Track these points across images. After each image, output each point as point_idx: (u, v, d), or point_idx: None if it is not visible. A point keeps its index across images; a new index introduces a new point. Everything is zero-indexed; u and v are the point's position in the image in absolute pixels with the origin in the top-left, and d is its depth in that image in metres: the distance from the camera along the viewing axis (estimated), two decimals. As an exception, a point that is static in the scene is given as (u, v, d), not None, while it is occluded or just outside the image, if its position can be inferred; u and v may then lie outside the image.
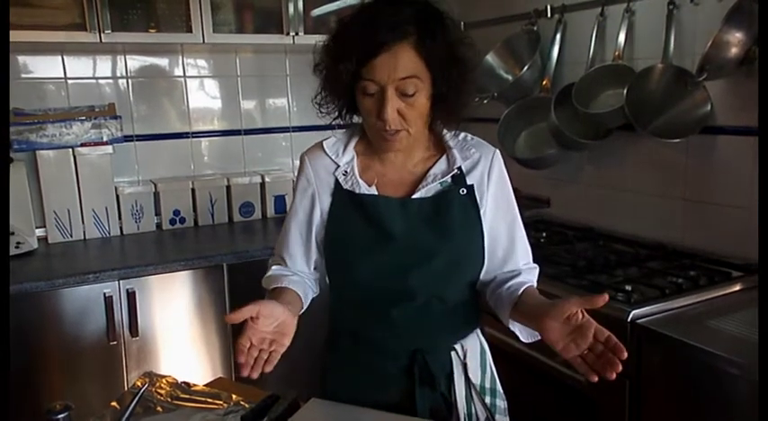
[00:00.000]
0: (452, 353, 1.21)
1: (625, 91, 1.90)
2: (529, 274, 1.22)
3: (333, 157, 1.22)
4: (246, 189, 2.68)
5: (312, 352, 1.37)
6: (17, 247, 2.13)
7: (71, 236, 2.38)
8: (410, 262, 1.15)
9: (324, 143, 1.24)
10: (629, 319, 1.47)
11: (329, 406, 1.21)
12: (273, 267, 1.28)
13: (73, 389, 1.94)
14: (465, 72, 1.11)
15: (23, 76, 2.38)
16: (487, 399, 1.23)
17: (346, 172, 1.20)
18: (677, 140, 1.89)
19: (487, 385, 1.25)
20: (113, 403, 1.24)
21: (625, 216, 2.17)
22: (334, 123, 1.22)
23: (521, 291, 1.15)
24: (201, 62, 2.68)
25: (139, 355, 2.02)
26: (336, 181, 1.20)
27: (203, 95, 2.70)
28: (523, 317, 1.12)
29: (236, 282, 2.17)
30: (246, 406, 1.27)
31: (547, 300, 1.07)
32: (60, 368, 1.96)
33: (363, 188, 1.18)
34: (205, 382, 1.40)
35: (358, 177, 1.19)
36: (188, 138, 2.69)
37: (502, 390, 1.27)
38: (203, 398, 1.32)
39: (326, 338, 1.32)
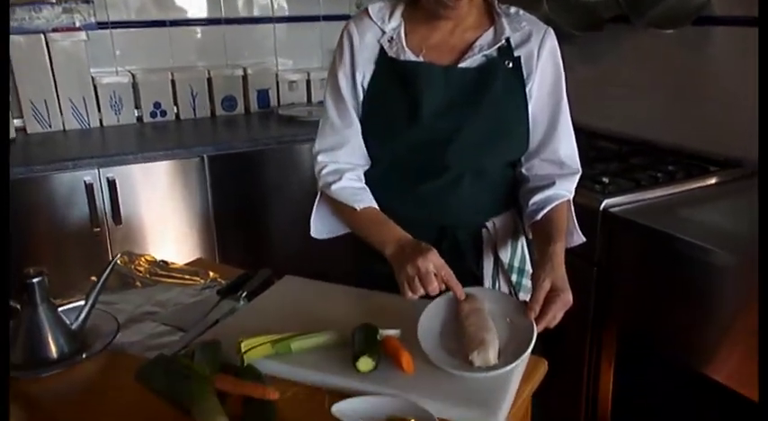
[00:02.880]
0: (483, 231, 1.21)
1: (620, -22, 1.81)
2: (562, 185, 1.17)
3: (378, 24, 1.17)
4: (228, 82, 2.61)
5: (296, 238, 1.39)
6: (-6, 135, 2.10)
7: (50, 126, 2.34)
8: (446, 134, 1.12)
9: (369, 8, 1.18)
10: (601, 208, 1.48)
11: (302, 282, 1.25)
12: (330, 169, 1.20)
13: (58, 274, 1.97)
14: None
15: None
16: (514, 277, 1.24)
17: (392, 38, 1.16)
18: (671, 31, 1.83)
19: (516, 264, 1.25)
20: (93, 278, 1.27)
21: (613, 113, 2.15)
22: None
23: (540, 215, 1.14)
24: (177, -57, 2.52)
25: (123, 242, 2.05)
26: (381, 48, 1.16)
27: (180, -21, 2.56)
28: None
29: (217, 173, 2.16)
30: (222, 282, 1.31)
31: (545, 257, 1.06)
32: (46, 254, 1.99)
33: (409, 55, 1.14)
34: (184, 262, 1.43)
35: (404, 44, 1.15)
36: (166, 26, 2.57)
37: (531, 270, 1.24)
38: (181, 275, 1.35)
39: None
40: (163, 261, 1.42)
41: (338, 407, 0.85)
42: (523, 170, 1.22)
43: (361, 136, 1.20)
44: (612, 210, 1.47)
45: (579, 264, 1.48)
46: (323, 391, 0.91)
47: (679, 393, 1.44)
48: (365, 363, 0.92)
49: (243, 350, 0.95)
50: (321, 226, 1.28)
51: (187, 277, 1.34)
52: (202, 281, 1.33)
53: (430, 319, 1.02)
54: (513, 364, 0.92)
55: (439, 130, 1.13)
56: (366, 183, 1.23)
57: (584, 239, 1.22)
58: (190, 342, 1.06)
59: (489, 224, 1.22)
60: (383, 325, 1.01)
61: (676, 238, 1.34)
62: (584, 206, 1.46)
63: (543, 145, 1.18)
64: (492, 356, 0.92)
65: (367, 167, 1.22)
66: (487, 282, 1.23)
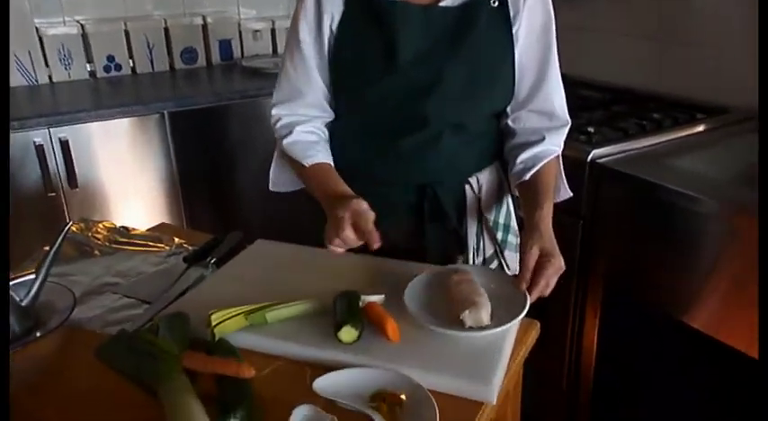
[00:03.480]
0: (466, 187, 1.14)
1: None
2: (552, 139, 1.10)
3: None
4: (187, 32, 2.43)
5: (265, 198, 1.30)
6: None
7: (-7, 83, 2.16)
8: (425, 83, 1.03)
9: None
10: (588, 159, 1.42)
11: (276, 246, 1.16)
12: (284, 122, 1.13)
13: (12, 245, 1.85)
14: None
15: None
16: (499, 235, 1.18)
17: None
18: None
19: (501, 221, 1.18)
20: (46, 247, 1.16)
21: (596, 61, 2.06)
22: None
23: (528, 175, 1.07)
24: None
25: (82, 208, 1.93)
26: None
27: None
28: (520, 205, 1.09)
29: (179, 131, 2.03)
30: (189, 248, 1.22)
31: (533, 221, 0.99)
32: (-2, 222, 1.86)
33: None
34: (146, 228, 1.33)
35: None
36: (116, -30, 2.37)
37: (516, 226, 1.19)
38: (144, 242, 1.25)
39: None
40: (123, 227, 1.32)
41: (319, 384, 0.78)
42: (510, 122, 1.13)
43: (320, 88, 1.11)
44: (600, 160, 1.41)
45: (565, 219, 1.44)
46: (303, 365, 0.84)
47: (662, 342, 1.43)
48: (348, 333, 0.85)
49: (213, 323, 0.87)
50: (278, 179, 1.23)
51: (150, 244, 1.24)
52: (167, 247, 1.23)
53: (416, 289, 0.96)
54: (507, 325, 0.86)
55: (417, 79, 1.03)
56: (337, 138, 1.14)
57: (572, 194, 1.16)
58: (154, 315, 0.97)
59: (473, 180, 1.14)
60: (365, 290, 0.94)
61: (664, 188, 1.29)
62: (570, 158, 1.38)
63: (532, 95, 1.10)
64: (485, 316, 0.86)
65: (329, 119, 1.14)
66: (471, 241, 1.16)
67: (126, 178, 2.01)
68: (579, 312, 1.55)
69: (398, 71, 1.03)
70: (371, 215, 0.94)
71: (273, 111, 1.14)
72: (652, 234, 1.36)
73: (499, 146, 1.17)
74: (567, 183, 1.16)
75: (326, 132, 1.16)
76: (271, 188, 1.24)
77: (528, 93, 1.09)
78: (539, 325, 0.96)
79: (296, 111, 1.12)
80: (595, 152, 1.42)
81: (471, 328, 0.86)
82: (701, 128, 1.60)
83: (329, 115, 1.14)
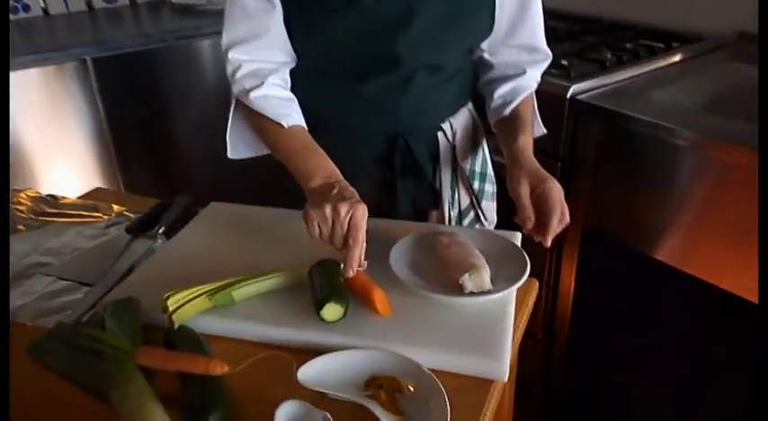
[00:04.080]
0: (439, 134, 1.02)
1: None
2: (532, 73, 1.01)
3: None
4: (105, -35, 2.14)
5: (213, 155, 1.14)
6: None
7: None
8: (394, 19, 0.88)
9: None
10: (568, 96, 1.32)
11: (233, 209, 1.02)
12: (247, 70, 0.93)
13: None
14: None
15: None
16: (476, 184, 1.08)
17: None
18: None
19: (477, 169, 1.08)
20: (-45, 225, 0.98)
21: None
22: None
23: (508, 110, 0.98)
24: None
25: None
26: None
27: None
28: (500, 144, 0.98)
29: (106, 80, 1.79)
30: (132, 216, 1.06)
31: (514, 151, 0.90)
32: None
33: None
34: (78, 195, 1.16)
35: None
36: None
37: (493, 173, 1.11)
38: (77, 212, 1.08)
39: None
40: (51, 195, 1.14)
41: (304, 373, 0.67)
42: (486, 55, 1.02)
43: (283, 22, 0.92)
44: (580, 97, 1.31)
45: (543, 161, 1.34)
46: (284, 352, 0.72)
47: (642, 283, 1.39)
48: (332, 311, 0.73)
49: (171, 308, 0.74)
50: (240, 144, 1.04)
51: (84, 213, 1.08)
52: (105, 217, 1.07)
53: (402, 253, 0.85)
54: (513, 286, 0.77)
55: (385, 13, 0.88)
56: (300, 83, 0.98)
57: (545, 131, 1.08)
58: (97, 301, 0.82)
59: (446, 126, 1.03)
60: (343, 256, 0.82)
61: (648, 123, 1.21)
62: (549, 95, 1.29)
63: (513, 29, 0.98)
64: (487, 279, 0.76)
65: (292, 66, 0.97)
66: (446, 194, 1.05)
67: (47, 138, 1.77)
68: (556, 257, 1.49)
69: (364, 5, 0.88)
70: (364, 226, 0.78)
71: (231, 56, 0.93)
72: (633, 172, 1.29)
73: (473, 83, 1.05)
74: (544, 122, 1.08)
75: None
76: (230, 155, 1.04)
77: (509, 26, 0.97)
78: (537, 283, 0.87)
79: (259, 56, 0.93)
80: (575, 87, 1.32)
81: (473, 294, 0.76)
82: (677, 57, 1.51)
83: (293, 59, 0.97)
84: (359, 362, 0.69)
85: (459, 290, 0.77)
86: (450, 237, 0.86)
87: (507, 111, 0.98)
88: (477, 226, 1.11)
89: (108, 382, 0.65)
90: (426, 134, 1.02)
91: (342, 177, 0.85)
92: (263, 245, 0.91)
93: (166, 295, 0.75)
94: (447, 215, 1.06)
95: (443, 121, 1.03)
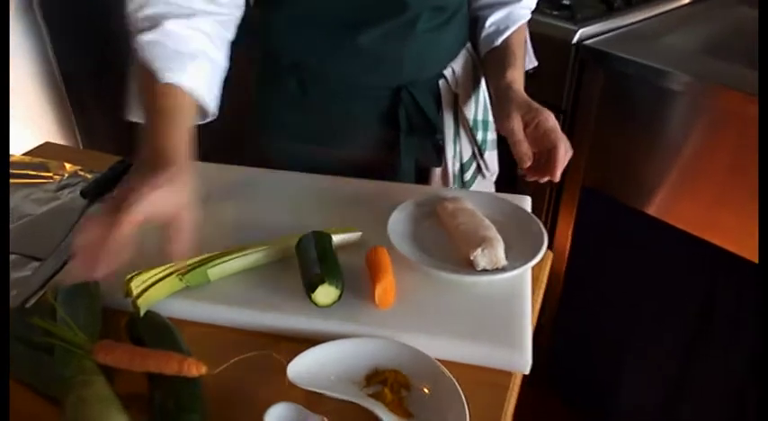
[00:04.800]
0: (441, 82, 0.91)
1: None
2: (527, 2, 0.92)
3: None
4: None
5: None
6: None
7: None
8: None
9: None
10: (574, 41, 1.20)
11: (204, 168, 0.90)
12: (148, 12, 0.71)
13: None
14: None
15: None
16: (479, 135, 0.98)
17: None
18: None
19: (480, 117, 0.98)
20: None
21: None
22: None
23: (500, 40, 0.89)
24: None
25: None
26: None
27: None
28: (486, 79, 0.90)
29: (55, 15, 1.60)
30: (88, 177, 0.93)
31: (504, 84, 0.82)
32: None
33: None
34: (24, 152, 1.01)
35: None
36: None
37: (493, 120, 1.01)
38: (23, 172, 0.95)
39: (258, 79, 0.94)
40: (-9, 151, 0.99)
41: (294, 369, 0.57)
42: None
43: None
44: (587, 42, 1.20)
45: None
46: (270, 339, 0.63)
47: (638, 241, 1.34)
48: (326, 294, 0.63)
49: (135, 291, 0.63)
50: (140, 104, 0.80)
51: (32, 173, 0.94)
52: (57, 177, 0.94)
53: (401, 223, 0.75)
54: (532, 262, 0.68)
55: None
56: (278, 35, 0.85)
57: (536, 63, 0.98)
58: (48, 280, 0.71)
59: (447, 72, 0.92)
60: (333, 224, 0.73)
61: (660, 71, 1.11)
62: (552, 38, 1.18)
63: None
64: (501, 254, 0.67)
65: (237, 13, 0.78)
66: (450, 148, 0.94)
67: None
68: (553, 211, 1.42)
69: None
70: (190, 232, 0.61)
71: None
72: (639, 126, 1.20)
73: (471, 20, 0.95)
74: (546, 70, 1.01)
75: (227, 39, 0.77)
76: (129, 117, 0.81)
77: None
78: (551, 252, 0.78)
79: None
80: (582, 32, 1.20)
81: (486, 271, 0.67)
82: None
83: (234, 9, 0.77)
84: (358, 354, 0.60)
85: (469, 266, 0.67)
86: (455, 202, 0.76)
87: (499, 40, 0.88)
88: (479, 179, 1.02)
89: (61, 385, 0.55)
90: (429, 84, 0.91)
91: (184, 154, 0.66)
92: (240, 211, 0.80)
93: (129, 275, 0.64)
94: (451, 171, 0.96)
95: (445, 67, 0.91)
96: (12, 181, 0.93)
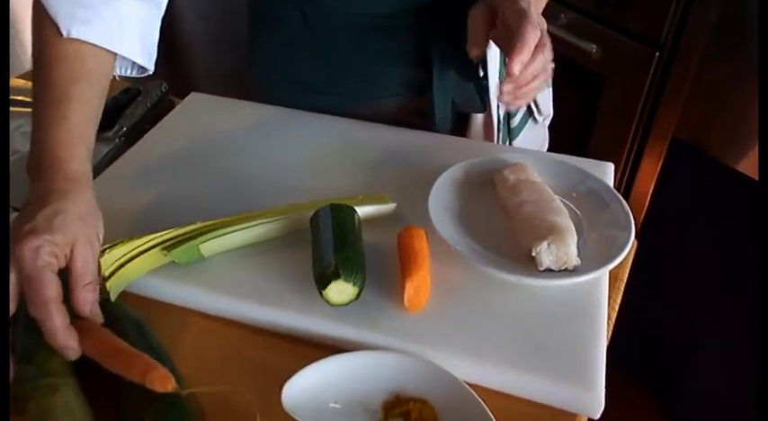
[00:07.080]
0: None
1: None
2: None
3: None
4: None
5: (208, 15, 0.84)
6: None
7: None
8: None
9: None
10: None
11: (219, 103, 0.76)
12: None
13: None
14: None
15: None
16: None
17: None
18: None
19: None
20: None
21: None
22: None
23: None
24: None
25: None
26: None
27: None
28: None
29: None
30: (87, 108, 0.80)
31: None
32: None
33: None
34: (19, 74, 0.90)
35: None
36: None
37: None
38: (17, 98, 0.83)
39: (250, 17, 0.78)
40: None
41: (292, 395, 0.44)
42: None
43: None
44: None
45: (638, 48, 1.04)
46: (269, 337, 0.50)
47: (730, 204, 1.14)
48: (340, 291, 0.49)
49: (107, 270, 0.51)
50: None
51: (26, 100, 0.83)
52: (53, 106, 0.81)
53: (445, 197, 0.59)
54: (612, 263, 0.52)
55: None
56: None
57: None
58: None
59: None
60: (362, 185, 0.59)
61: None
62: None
63: None
64: (572, 252, 0.51)
65: None
66: (494, 86, 0.75)
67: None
68: (635, 158, 1.22)
69: None
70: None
71: None
72: (754, 70, 0.96)
73: None
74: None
75: None
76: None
77: None
78: (636, 243, 0.61)
79: None
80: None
81: (551, 272, 0.51)
82: None
83: None
84: (375, 372, 0.46)
85: (530, 263, 0.51)
86: (519, 172, 0.59)
87: None
88: (530, 124, 0.83)
89: (21, 386, 0.44)
90: (463, 8, 0.71)
91: (83, 163, 0.51)
92: (247, 165, 0.66)
93: (102, 248, 0.51)
94: (495, 116, 0.78)
95: None
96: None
